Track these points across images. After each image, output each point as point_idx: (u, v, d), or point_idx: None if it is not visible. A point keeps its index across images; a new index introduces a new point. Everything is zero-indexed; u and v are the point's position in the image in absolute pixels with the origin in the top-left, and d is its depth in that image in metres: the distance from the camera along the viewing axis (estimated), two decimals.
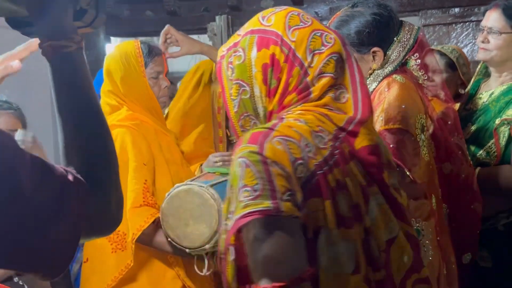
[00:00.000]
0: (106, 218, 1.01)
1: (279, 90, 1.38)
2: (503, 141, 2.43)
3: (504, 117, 2.43)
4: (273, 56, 1.37)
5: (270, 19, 1.40)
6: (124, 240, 2.32)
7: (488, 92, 2.59)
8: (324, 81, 1.37)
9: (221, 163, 2.67)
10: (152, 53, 2.48)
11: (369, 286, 1.29)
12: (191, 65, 3.19)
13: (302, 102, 1.37)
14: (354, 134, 1.36)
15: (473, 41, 4.26)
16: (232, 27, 4.47)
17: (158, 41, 2.60)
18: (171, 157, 2.50)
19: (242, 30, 1.45)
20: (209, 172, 2.41)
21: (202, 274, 2.29)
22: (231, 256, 1.28)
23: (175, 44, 2.50)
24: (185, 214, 2.21)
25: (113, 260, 2.35)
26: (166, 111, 3.01)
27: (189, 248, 2.22)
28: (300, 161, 1.26)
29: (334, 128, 1.34)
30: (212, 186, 2.22)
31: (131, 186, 2.30)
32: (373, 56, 2.15)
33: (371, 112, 1.41)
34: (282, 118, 1.35)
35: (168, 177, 2.44)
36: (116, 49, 2.55)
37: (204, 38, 5.32)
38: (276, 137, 1.28)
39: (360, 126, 1.36)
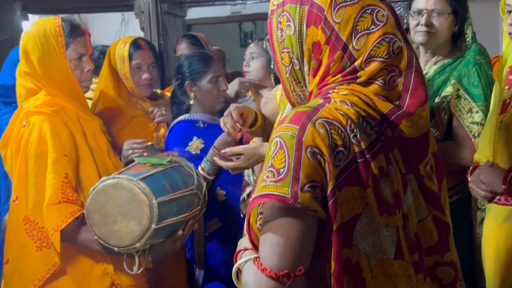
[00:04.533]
0: None
1: (319, 73, 1.31)
2: (444, 118, 2.42)
3: (443, 94, 2.42)
4: (317, 36, 1.29)
5: None
6: (50, 238, 2.12)
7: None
8: (373, 66, 1.28)
9: (130, 151, 2.50)
10: (74, 32, 2.27)
11: (413, 270, 1.30)
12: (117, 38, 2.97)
13: (348, 82, 1.29)
14: (395, 124, 1.30)
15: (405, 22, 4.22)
16: (161, 4, 4.24)
17: (79, 19, 2.38)
18: (96, 146, 2.31)
19: None
20: (139, 163, 2.23)
21: (133, 273, 2.12)
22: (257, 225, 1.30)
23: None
24: (112, 210, 2.03)
25: (38, 259, 2.17)
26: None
27: (117, 247, 2.05)
28: (340, 149, 1.21)
29: (379, 114, 1.28)
30: (142, 179, 2.05)
31: (49, 181, 2.11)
32: None
33: (420, 104, 1.32)
34: (328, 98, 1.28)
35: (93, 168, 2.25)
36: (33, 26, 2.31)
37: (130, 16, 5.06)
38: (320, 118, 1.22)
39: (402, 118, 1.29)
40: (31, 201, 2.13)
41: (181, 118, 2.79)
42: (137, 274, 2.18)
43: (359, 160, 1.22)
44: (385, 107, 1.29)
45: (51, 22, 2.25)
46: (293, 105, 1.42)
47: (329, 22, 1.28)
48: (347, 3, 1.28)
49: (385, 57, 1.28)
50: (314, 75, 1.33)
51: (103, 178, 2.08)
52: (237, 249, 1.41)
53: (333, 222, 1.19)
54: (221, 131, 2.68)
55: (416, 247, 1.32)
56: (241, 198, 2.65)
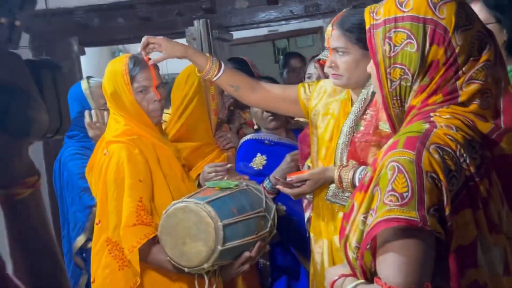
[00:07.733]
0: None
1: (428, 90, 1.38)
2: None
3: None
4: (437, 55, 1.36)
5: (442, 10, 1.36)
6: (126, 258, 2.29)
7: None
8: (473, 87, 1.36)
9: (213, 174, 2.64)
10: (137, 68, 2.43)
11: None
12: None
13: (448, 104, 1.37)
14: (496, 143, 1.37)
15: None
16: (211, 30, 4.40)
17: (124, 48, 2.55)
18: (170, 172, 2.46)
19: (405, 6, 1.38)
20: (208, 187, 2.36)
21: None
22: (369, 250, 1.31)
23: (158, 49, 2.42)
24: (182, 232, 2.17)
25: (121, 278, 2.32)
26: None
27: (187, 267, 2.19)
28: (453, 173, 1.28)
29: (480, 136, 1.35)
30: (209, 202, 2.17)
31: (125, 204, 2.27)
32: None
33: None
34: (433, 122, 1.34)
35: (167, 193, 2.40)
36: (109, 65, 2.53)
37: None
38: (433, 144, 1.29)
39: (503, 136, 1.37)
40: (112, 224, 2.29)
41: (248, 136, 2.98)
42: None
43: (469, 183, 1.30)
44: (485, 127, 1.36)
45: (120, 62, 2.46)
46: (390, 117, 1.47)
47: (452, 44, 1.35)
48: (467, 28, 1.36)
49: (482, 80, 1.36)
50: (421, 92, 1.38)
51: (173, 202, 2.22)
52: (331, 279, 1.44)
53: (451, 244, 1.27)
54: (286, 150, 2.83)
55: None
56: (306, 218, 2.77)
